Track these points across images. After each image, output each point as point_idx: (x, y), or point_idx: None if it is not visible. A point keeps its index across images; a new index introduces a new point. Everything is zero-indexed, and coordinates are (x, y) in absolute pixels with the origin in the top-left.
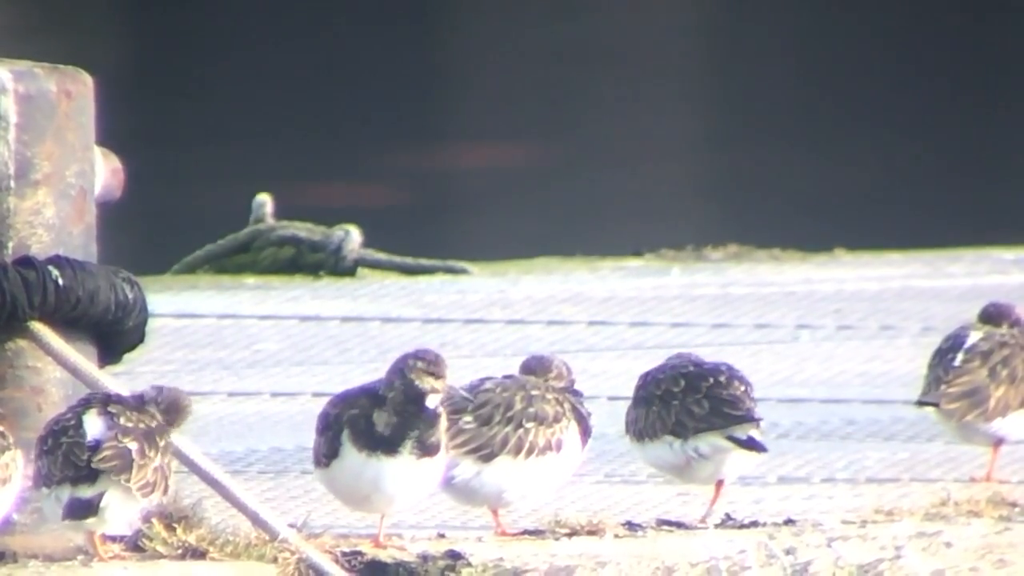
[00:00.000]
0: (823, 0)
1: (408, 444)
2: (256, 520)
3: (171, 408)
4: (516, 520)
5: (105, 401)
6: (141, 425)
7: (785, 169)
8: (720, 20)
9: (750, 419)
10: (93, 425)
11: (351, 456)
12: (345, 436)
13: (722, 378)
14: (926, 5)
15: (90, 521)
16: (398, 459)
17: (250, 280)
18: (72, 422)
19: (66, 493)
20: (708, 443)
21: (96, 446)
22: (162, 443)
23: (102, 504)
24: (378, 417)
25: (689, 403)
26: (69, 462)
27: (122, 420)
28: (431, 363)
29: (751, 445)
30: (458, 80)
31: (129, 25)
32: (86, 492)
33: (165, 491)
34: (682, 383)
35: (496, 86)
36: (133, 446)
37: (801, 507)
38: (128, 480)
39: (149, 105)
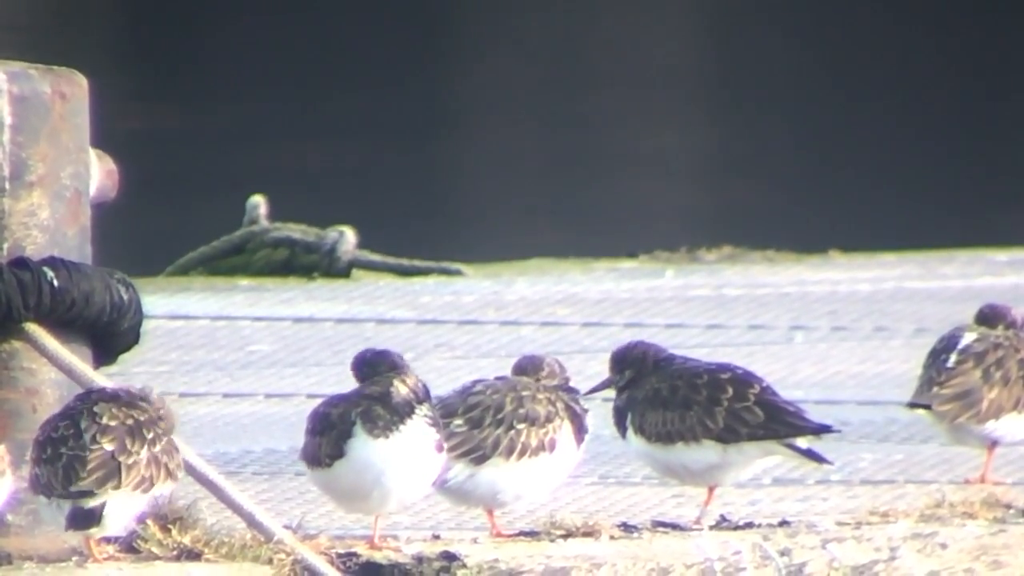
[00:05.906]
0: (818, 7)
1: (422, 409)
2: (251, 521)
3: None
4: (512, 521)
5: (98, 400)
6: (129, 421)
7: (780, 171)
8: (716, 26)
9: (824, 429)
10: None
11: (363, 445)
12: (357, 428)
13: (765, 384)
14: (924, 9)
15: (93, 530)
16: (411, 427)
17: (244, 282)
18: (71, 431)
19: (67, 504)
20: (762, 449)
21: None
22: (150, 435)
23: (104, 512)
24: (398, 387)
25: (739, 409)
26: (70, 477)
27: (104, 419)
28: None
29: (815, 457)
30: (455, 82)
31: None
32: (88, 503)
33: (169, 477)
34: (729, 390)
35: (493, 88)
36: (111, 447)
37: (796, 508)
38: (118, 487)
39: (144, 107)
